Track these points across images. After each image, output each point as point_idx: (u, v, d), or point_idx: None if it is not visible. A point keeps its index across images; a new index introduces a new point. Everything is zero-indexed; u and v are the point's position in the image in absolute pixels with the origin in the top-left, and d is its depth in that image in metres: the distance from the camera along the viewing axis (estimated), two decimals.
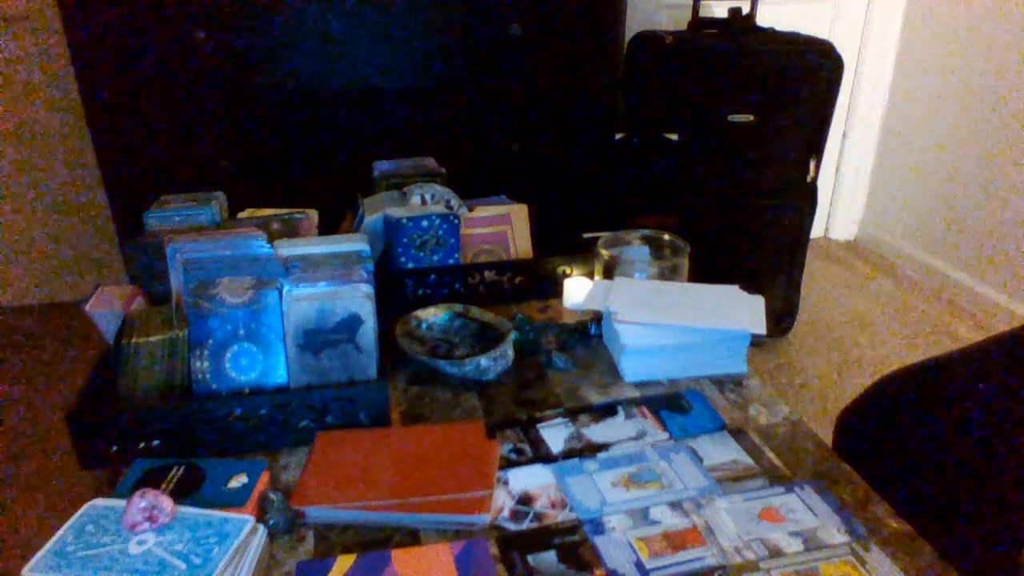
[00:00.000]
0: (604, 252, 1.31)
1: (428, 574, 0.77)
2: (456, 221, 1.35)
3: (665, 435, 0.99)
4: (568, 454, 0.96)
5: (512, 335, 1.15)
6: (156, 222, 1.26)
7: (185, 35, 1.95)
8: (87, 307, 1.10)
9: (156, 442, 0.94)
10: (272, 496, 0.84)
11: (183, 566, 0.71)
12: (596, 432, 1.00)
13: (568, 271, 1.39)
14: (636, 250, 1.35)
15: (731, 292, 1.21)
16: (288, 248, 1.10)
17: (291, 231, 1.29)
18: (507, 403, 1.08)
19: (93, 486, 0.92)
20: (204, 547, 0.74)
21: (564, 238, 1.50)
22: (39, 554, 0.73)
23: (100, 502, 0.80)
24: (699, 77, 2.22)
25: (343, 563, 0.79)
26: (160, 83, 1.99)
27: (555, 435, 1.00)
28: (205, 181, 2.09)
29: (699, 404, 1.06)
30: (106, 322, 1.08)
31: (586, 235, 1.44)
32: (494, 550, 0.81)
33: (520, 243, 1.46)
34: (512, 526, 0.84)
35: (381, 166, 1.63)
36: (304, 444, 0.98)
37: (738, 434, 0.99)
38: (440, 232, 1.35)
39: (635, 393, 1.09)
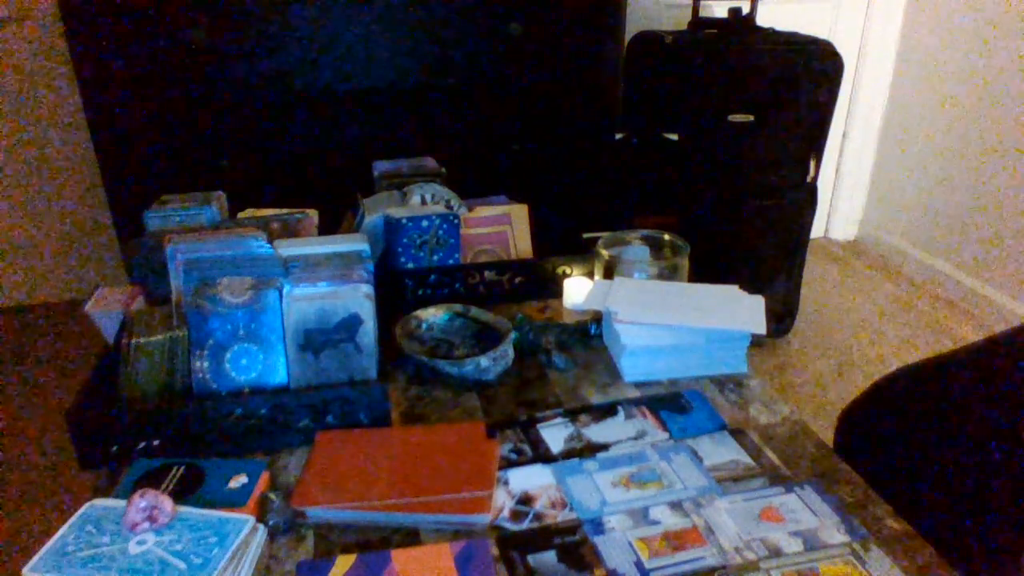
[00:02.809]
0: (604, 252, 1.31)
1: (428, 574, 0.77)
2: (456, 221, 1.35)
3: (665, 435, 0.99)
4: (568, 454, 0.96)
5: (512, 335, 1.15)
6: (156, 222, 1.26)
7: (185, 35, 1.95)
8: (87, 307, 1.10)
9: (156, 442, 0.94)
10: (272, 496, 0.84)
11: (183, 566, 0.71)
12: (596, 432, 1.00)
13: (568, 271, 1.39)
14: (636, 250, 1.35)
15: (731, 292, 1.21)
16: (288, 248, 1.10)
17: (291, 231, 1.29)
18: (507, 403, 1.08)
19: (93, 486, 0.92)
20: (204, 547, 0.74)
21: (564, 238, 1.50)
22: (39, 554, 0.73)
23: (100, 502, 0.80)
24: (699, 77, 2.22)
25: (343, 563, 0.79)
26: (160, 83, 1.99)
27: (555, 435, 0.99)
28: (205, 181, 2.09)
29: (699, 404, 1.06)
30: (106, 322, 1.09)
31: (586, 235, 1.44)
32: (494, 550, 0.81)
33: (520, 243, 1.46)
34: (512, 526, 0.84)
35: (381, 166, 1.63)
36: (304, 444, 0.98)
37: (738, 434, 0.99)
38: (440, 232, 1.35)
39: (635, 393, 1.09)
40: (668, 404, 1.06)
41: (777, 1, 2.89)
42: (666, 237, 1.35)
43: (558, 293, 1.37)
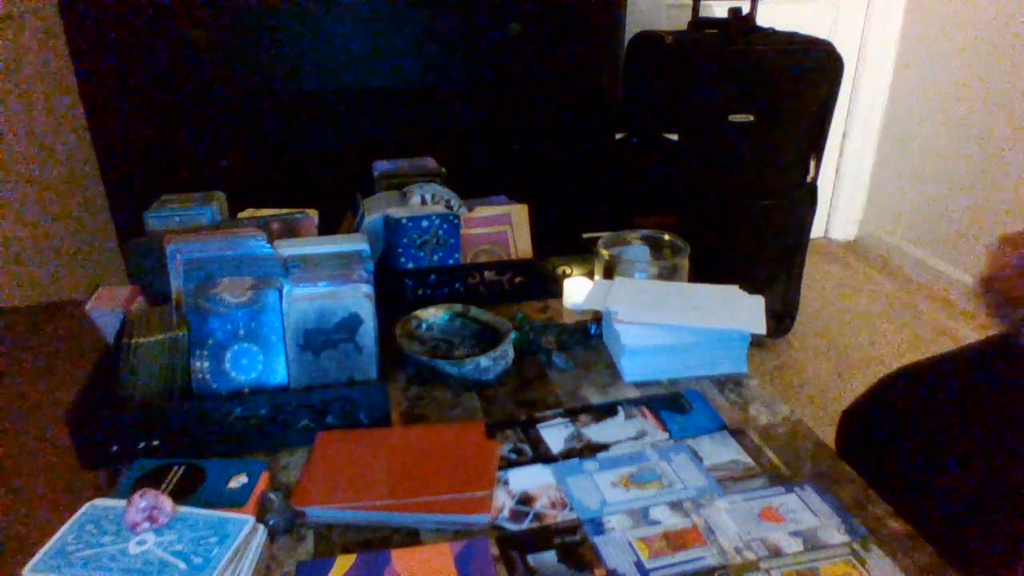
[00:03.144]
0: (604, 252, 1.31)
1: (428, 574, 0.77)
2: (456, 221, 1.35)
3: (665, 435, 0.99)
4: (568, 454, 0.96)
5: (512, 335, 1.15)
6: (156, 222, 1.26)
7: (185, 35, 1.94)
8: (87, 307, 1.10)
9: (156, 442, 0.94)
10: (272, 496, 0.84)
11: (183, 566, 0.71)
12: (596, 432, 1.00)
13: (568, 271, 1.39)
14: (636, 250, 1.35)
15: (731, 292, 1.21)
16: (288, 248, 1.10)
17: (291, 231, 1.29)
18: (507, 403, 1.08)
19: (93, 486, 0.92)
20: (204, 547, 0.74)
21: (564, 238, 1.49)
22: (39, 554, 0.73)
23: (100, 502, 0.80)
24: (699, 77, 2.22)
25: (343, 563, 0.79)
26: (160, 83, 1.99)
27: (555, 435, 0.99)
28: (205, 181, 2.09)
29: (699, 404, 1.06)
30: (106, 322, 1.08)
31: (586, 235, 1.44)
32: (494, 550, 0.81)
33: (520, 243, 1.46)
34: (512, 526, 0.84)
35: (381, 166, 1.63)
36: (304, 444, 0.98)
37: (738, 434, 0.99)
38: (440, 232, 1.35)
39: (635, 393, 1.09)
40: (668, 404, 1.06)
41: (777, 1, 2.89)
42: (666, 237, 1.35)
43: (558, 293, 1.37)
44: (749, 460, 0.94)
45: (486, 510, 0.84)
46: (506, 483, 0.90)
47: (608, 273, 1.30)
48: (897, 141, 3.14)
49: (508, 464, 0.94)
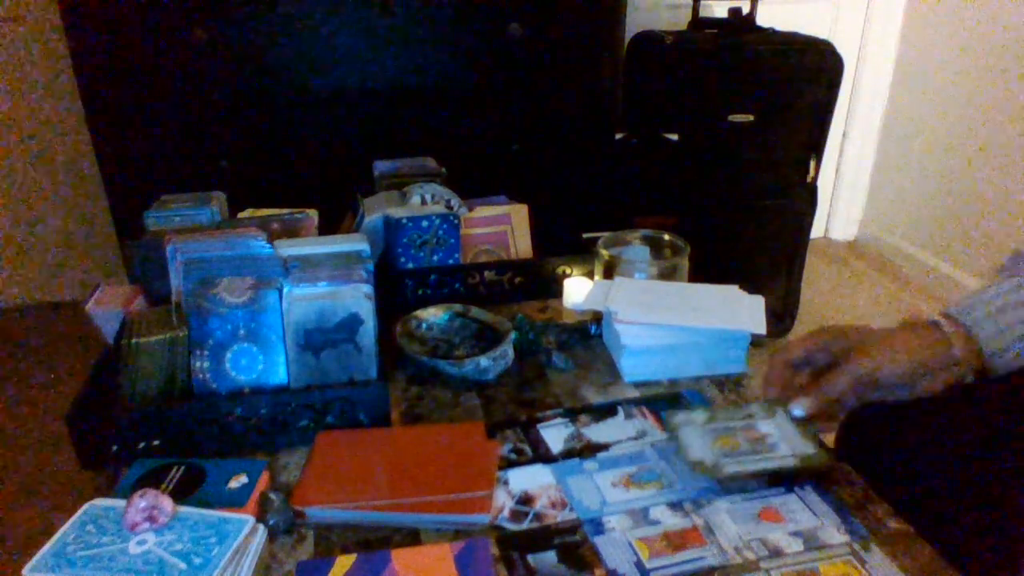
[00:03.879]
0: (604, 252, 1.31)
1: (428, 574, 0.77)
2: (456, 221, 1.35)
3: (665, 435, 0.99)
4: (568, 454, 0.96)
5: (512, 335, 1.15)
6: (156, 222, 1.26)
7: (185, 35, 1.94)
8: (87, 307, 1.10)
9: (156, 442, 0.94)
10: (272, 496, 0.84)
11: (183, 566, 0.71)
12: (596, 432, 1.00)
13: (568, 271, 1.39)
14: (636, 250, 1.35)
15: (731, 292, 1.21)
16: (288, 248, 1.10)
17: (291, 231, 1.29)
18: (507, 403, 1.07)
19: (93, 486, 0.92)
20: (204, 547, 0.74)
21: (564, 238, 1.49)
22: (39, 554, 0.73)
23: (100, 502, 0.80)
24: (699, 77, 2.22)
25: (343, 563, 0.79)
26: (160, 83, 1.99)
27: (555, 435, 0.99)
28: (205, 181, 2.09)
29: (699, 404, 1.06)
30: (106, 322, 1.09)
31: (586, 235, 1.44)
32: (494, 550, 0.81)
33: (520, 243, 1.46)
34: (512, 526, 0.84)
35: (381, 166, 1.63)
36: (304, 444, 0.98)
37: None
38: (440, 232, 1.35)
39: (635, 393, 1.09)
40: (668, 404, 1.06)
41: (777, 1, 2.89)
42: (666, 237, 1.35)
43: (558, 293, 1.37)
44: None
45: (486, 510, 0.84)
46: (506, 483, 0.90)
47: (608, 273, 1.30)
48: (897, 141, 3.14)
49: (508, 464, 0.94)
